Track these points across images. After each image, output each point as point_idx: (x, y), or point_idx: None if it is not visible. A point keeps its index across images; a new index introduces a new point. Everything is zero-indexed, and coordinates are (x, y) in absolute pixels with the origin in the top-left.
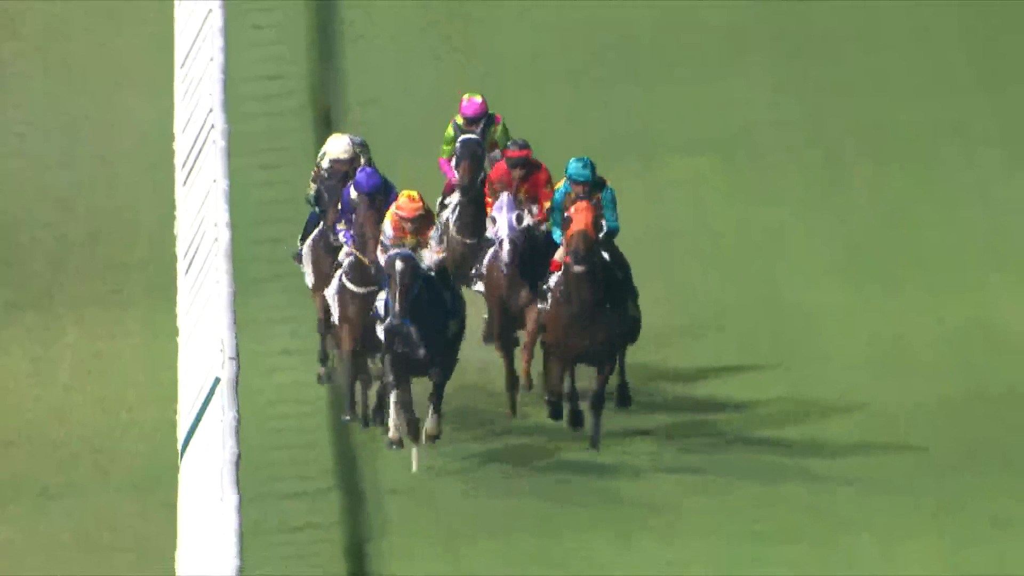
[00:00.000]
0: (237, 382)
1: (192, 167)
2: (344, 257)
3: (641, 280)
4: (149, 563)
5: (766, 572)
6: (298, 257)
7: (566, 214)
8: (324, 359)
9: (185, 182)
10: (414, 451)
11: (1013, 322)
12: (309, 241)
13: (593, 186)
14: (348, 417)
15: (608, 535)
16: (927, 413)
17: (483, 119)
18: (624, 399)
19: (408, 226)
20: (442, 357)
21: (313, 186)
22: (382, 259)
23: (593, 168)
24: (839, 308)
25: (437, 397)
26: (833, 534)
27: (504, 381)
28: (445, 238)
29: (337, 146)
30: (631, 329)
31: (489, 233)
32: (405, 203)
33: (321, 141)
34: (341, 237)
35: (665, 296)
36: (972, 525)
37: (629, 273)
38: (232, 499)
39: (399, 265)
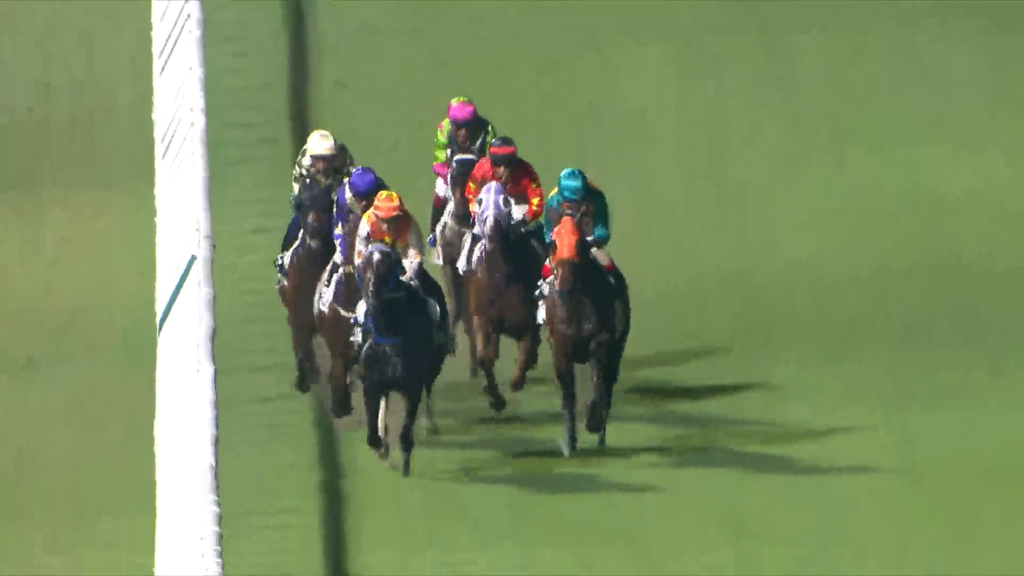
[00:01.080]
0: (212, 260)
1: (169, 56)
2: (332, 270)
3: None
4: (132, 432)
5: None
6: (281, 268)
7: (551, 235)
8: (302, 382)
9: (162, 71)
10: (402, 455)
11: (951, 191)
12: (291, 253)
13: (584, 197)
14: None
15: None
16: (868, 282)
17: (473, 123)
18: (596, 422)
19: (385, 227)
20: (421, 373)
21: (297, 186)
22: (360, 248)
23: (584, 179)
24: (781, 180)
25: (410, 416)
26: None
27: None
28: (438, 246)
29: (319, 143)
30: (619, 337)
31: (475, 210)
32: (382, 203)
33: (291, 30)
34: (337, 243)
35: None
36: (912, 392)
37: (622, 283)
38: (208, 370)
39: (376, 256)
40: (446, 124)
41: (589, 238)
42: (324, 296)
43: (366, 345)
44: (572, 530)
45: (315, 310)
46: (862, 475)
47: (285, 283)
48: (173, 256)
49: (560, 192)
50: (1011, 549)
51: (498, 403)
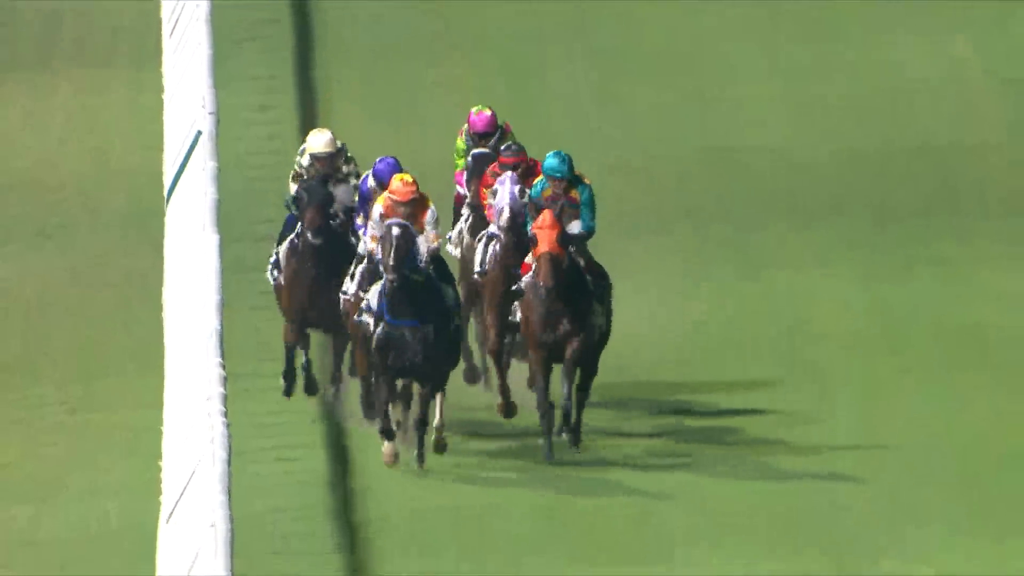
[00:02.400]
0: (217, 134)
1: None
2: (356, 262)
3: None
4: (140, 297)
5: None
6: (276, 264)
7: (531, 229)
8: (289, 385)
9: None
10: (386, 447)
11: (922, 77)
12: (285, 246)
13: (570, 182)
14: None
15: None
16: (842, 166)
17: (494, 134)
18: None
19: (401, 210)
20: (440, 360)
21: (293, 186)
22: (375, 248)
23: (570, 163)
24: (757, 66)
25: (425, 402)
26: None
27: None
28: (460, 246)
29: (318, 141)
30: (599, 338)
31: (490, 201)
32: (398, 186)
33: None
34: (361, 233)
35: None
36: (888, 266)
37: (603, 282)
38: (213, 239)
39: (395, 230)
40: (466, 131)
41: (575, 231)
42: (348, 289)
43: (379, 329)
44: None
45: (341, 307)
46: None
47: (280, 279)
48: (179, 131)
49: (544, 173)
50: (979, 414)
51: (509, 408)
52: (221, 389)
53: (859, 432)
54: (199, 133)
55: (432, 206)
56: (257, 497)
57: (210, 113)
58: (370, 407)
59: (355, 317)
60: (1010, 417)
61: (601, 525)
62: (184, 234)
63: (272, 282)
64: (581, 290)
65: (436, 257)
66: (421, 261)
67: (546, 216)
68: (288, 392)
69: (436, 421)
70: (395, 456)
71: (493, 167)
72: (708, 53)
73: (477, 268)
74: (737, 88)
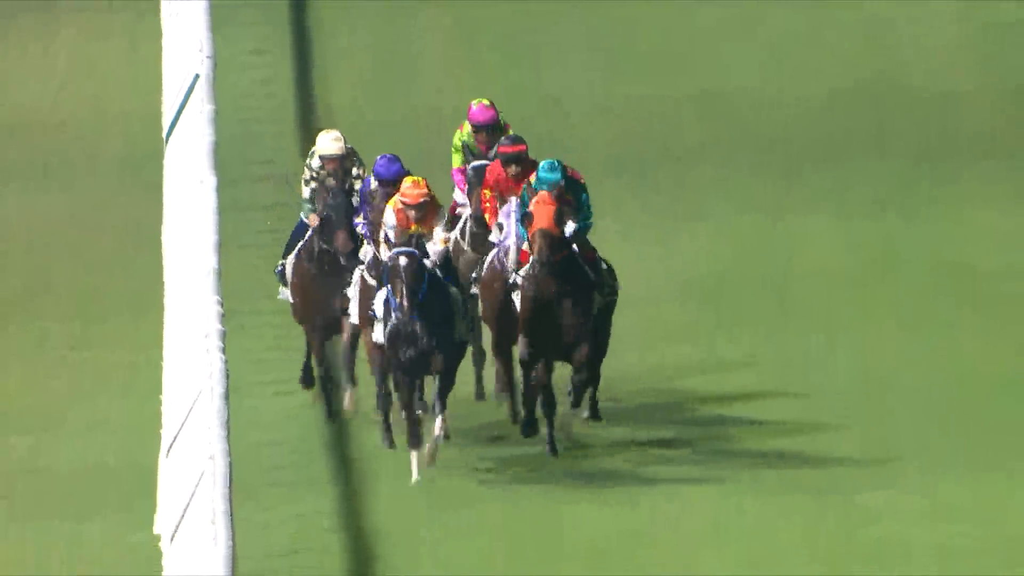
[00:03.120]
0: (214, 78)
1: None
2: (364, 255)
3: None
4: (138, 237)
5: None
6: (281, 275)
7: (528, 209)
8: (307, 376)
9: None
10: (414, 456)
11: (895, 19)
12: (292, 256)
13: (564, 185)
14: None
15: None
16: (827, 107)
17: (493, 127)
18: (593, 412)
19: (412, 214)
20: (450, 351)
21: (307, 189)
22: (385, 255)
23: (562, 169)
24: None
25: (443, 393)
26: None
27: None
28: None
29: (328, 143)
30: (598, 329)
31: (493, 239)
32: (409, 189)
33: None
34: (360, 231)
35: None
36: (873, 206)
37: (599, 269)
38: (211, 181)
39: (403, 261)
40: (466, 127)
41: (570, 228)
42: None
43: (391, 322)
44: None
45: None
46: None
47: (287, 293)
48: (177, 75)
49: (538, 183)
50: (967, 348)
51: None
52: (219, 326)
53: (850, 368)
54: (196, 76)
55: (442, 207)
56: (254, 430)
57: (207, 57)
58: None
59: (368, 335)
60: (997, 350)
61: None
62: (182, 176)
63: (282, 296)
64: (580, 282)
65: (445, 258)
66: (430, 263)
67: (543, 195)
68: (308, 382)
69: (437, 431)
70: (432, 456)
71: (493, 166)
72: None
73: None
74: (722, 30)
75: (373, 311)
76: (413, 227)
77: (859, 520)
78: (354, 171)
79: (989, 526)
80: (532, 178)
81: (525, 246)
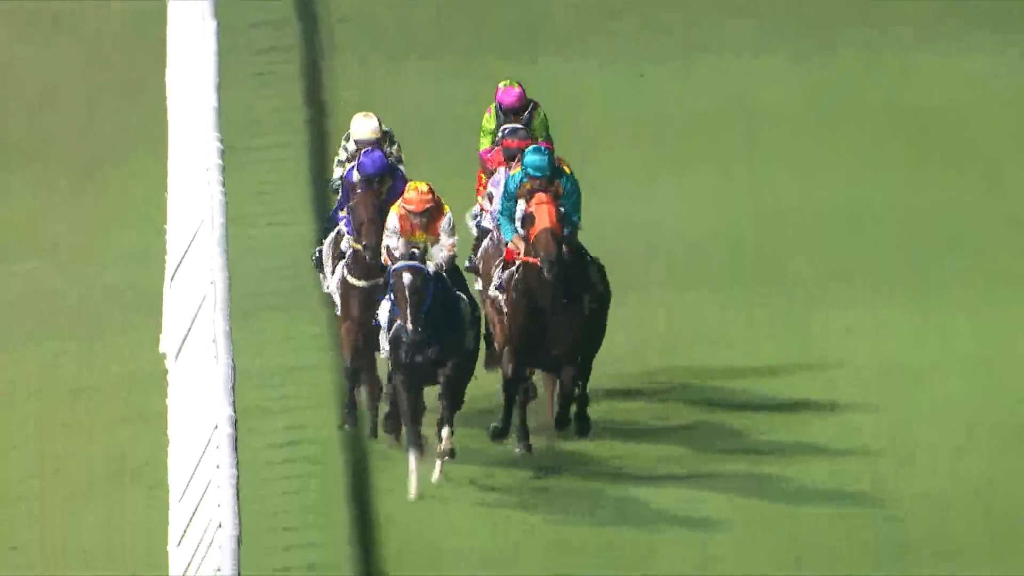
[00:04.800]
0: None
1: None
2: (345, 247)
3: None
4: (142, 78)
5: None
6: (318, 262)
7: (527, 210)
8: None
9: None
10: (413, 473)
11: None
12: (328, 241)
13: (551, 176)
14: (347, 425)
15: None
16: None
17: (521, 108)
18: (581, 425)
19: (417, 220)
20: (457, 360)
21: (338, 171)
22: (387, 257)
23: (551, 158)
24: None
25: (451, 408)
26: None
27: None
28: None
29: (363, 126)
30: (592, 333)
31: (488, 207)
32: (413, 195)
33: None
34: (342, 225)
35: None
36: (817, 49)
37: (587, 269)
38: (212, 25)
39: (407, 278)
40: (494, 109)
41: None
42: (330, 281)
43: (394, 328)
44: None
45: (325, 289)
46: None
47: (327, 285)
48: None
49: (523, 169)
50: (898, 181)
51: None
52: (219, 161)
53: (792, 198)
54: None
55: (448, 212)
56: (251, 258)
57: None
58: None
59: (381, 350)
60: (927, 183)
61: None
62: (184, 22)
63: (324, 289)
64: (571, 281)
65: (452, 265)
66: (435, 269)
67: (541, 195)
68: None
69: (443, 444)
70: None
71: (495, 156)
72: None
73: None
74: None
75: (377, 320)
76: (418, 234)
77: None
78: (388, 152)
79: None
80: (515, 170)
81: (511, 244)
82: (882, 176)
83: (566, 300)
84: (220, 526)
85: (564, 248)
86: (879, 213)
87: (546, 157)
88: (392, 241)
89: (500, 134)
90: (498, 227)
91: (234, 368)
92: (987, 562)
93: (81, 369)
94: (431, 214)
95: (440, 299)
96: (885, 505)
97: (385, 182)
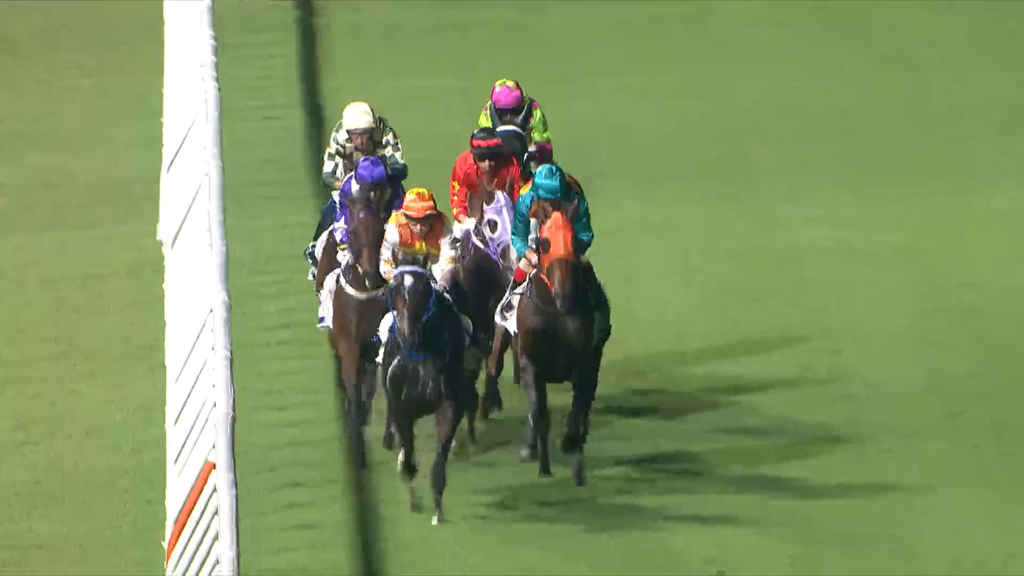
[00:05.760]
0: None
1: None
2: (342, 257)
3: None
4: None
5: None
6: (312, 257)
7: (541, 233)
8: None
9: None
10: (411, 489)
11: None
12: (323, 238)
13: (564, 199)
14: (362, 464)
15: None
16: None
17: (520, 109)
18: (572, 441)
19: (417, 228)
20: (456, 394)
21: (330, 163)
22: (389, 272)
23: (562, 178)
24: None
25: (445, 444)
26: None
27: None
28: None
29: (356, 118)
30: (597, 345)
31: (488, 236)
32: (413, 202)
33: None
34: (338, 235)
35: None
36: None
37: (601, 291)
38: None
39: (408, 281)
40: (490, 109)
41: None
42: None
43: (394, 362)
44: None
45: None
46: None
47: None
48: None
49: (534, 190)
50: (853, 82)
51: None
52: (213, 57)
53: (751, 97)
54: None
55: (449, 223)
56: (244, 150)
57: None
58: (360, 413)
59: (376, 359)
60: (879, 84)
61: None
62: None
63: (309, 278)
64: (583, 303)
65: (454, 281)
66: (438, 286)
67: (558, 218)
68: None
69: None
70: (415, 501)
71: (463, 157)
72: None
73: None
74: None
75: (378, 336)
76: (418, 244)
77: None
78: (385, 140)
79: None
80: (524, 189)
81: (523, 264)
82: (836, 76)
83: (576, 330)
84: (215, 405)
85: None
86: (835, 109)
87: (557, 179)
88: (389, 254)
89: (472, 134)
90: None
91: (227, 254)
92: (944, 439)
93: (90, 256)
94: (432, 222)
95: (440, 317)
96: (845, 386)
97: (384, 191)
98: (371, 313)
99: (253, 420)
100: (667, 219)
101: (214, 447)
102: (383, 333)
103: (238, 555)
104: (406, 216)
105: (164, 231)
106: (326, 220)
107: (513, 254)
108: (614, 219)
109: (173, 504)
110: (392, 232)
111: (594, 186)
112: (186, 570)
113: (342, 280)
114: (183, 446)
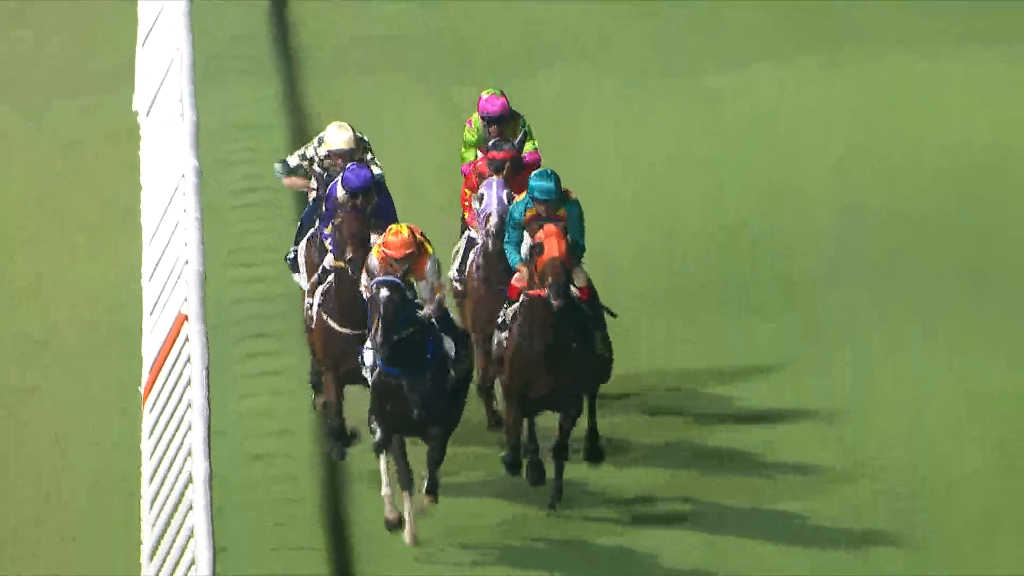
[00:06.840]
0: None
1: None
2: (321, 274)
3: None
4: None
5: None
6: (293, 263)
7: (534, 240)
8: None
9: None
10: (407, 520)
11: None
12: (304, 243)
13: (557, 202)
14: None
15: None
16: None
17: (506, 118)
18: (595, 452)
19: (397, 266)
20: (440, 414)
21: (293, 160)
22: (366, 282)
23: (558, 183)
24: None
25: (433, 463)
26: None
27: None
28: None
29: (337, 137)
30: (601, 369)
31: (475, 208)
32: (392, 240)
33: None
34: (327, 244)
35: None
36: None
37: (597, 302)
38: None
39: (383, 293)
40: (475, 120)
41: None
42: (310, 301)
43: (374, 374)
44: None
45: (303, 314)
46: None
47: (300, 280)
48: None
49: (529, 193)
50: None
51: (512, 464)
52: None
53: (739, 82)
54: None
55: (432, 254)
56: (218, 27)
57: None
58: (340, 437)
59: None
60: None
61: None
62: None
63: (303, 285)
64: (578, 317)
65: (442, 314)
66: (418, 312)
67: (550, 227)
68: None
69: (423, 502)
70: (398, 523)
71: (481, 165)
72: None
73: (454, 273)
74: None
75: (362, 357)
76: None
77: None
78: (366, 159)
79: None
80: (519, 197)
81: (515, 279)
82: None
83: (574, 341)
84: (187, 263)
85: (578, 288)
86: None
87: (552, 181)
88: (366, 279)
89: (487, 146)
90: (488, 234)
91: (198, 125)
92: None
93: (70, 125)
94: (412, 259)
95: (423, 342)
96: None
97: (370, 197)
98: (354, 350)
99: (221, 276)
100: None
101: (186, 300)
102: (366, 356)
103: (208, 399)
104: (385, 253)
105: (139, 102)
106: (304, 226)
107: (494, 219)
108: None
109: (149, 352)
110: (373, 261)
111: None
112: (160, 412)
113: (322, 311)
114: (157, 300)
